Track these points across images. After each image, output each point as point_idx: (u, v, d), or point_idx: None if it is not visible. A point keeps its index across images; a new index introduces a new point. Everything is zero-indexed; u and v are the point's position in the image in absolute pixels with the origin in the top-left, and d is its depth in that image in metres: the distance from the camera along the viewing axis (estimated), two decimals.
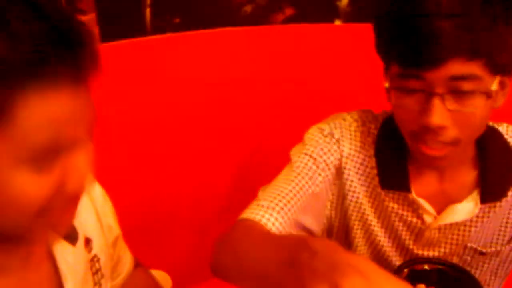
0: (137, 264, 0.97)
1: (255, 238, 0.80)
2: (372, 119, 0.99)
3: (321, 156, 0.95)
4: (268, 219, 0.86)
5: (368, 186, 0.97)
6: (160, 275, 1.45)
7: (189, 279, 1.62)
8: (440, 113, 0.77)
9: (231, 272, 0.80)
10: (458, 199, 0.93)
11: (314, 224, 0.97)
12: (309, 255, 0.55)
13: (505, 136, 0.94)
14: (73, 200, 0.59)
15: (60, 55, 0.50)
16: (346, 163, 0.96)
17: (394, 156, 0.94)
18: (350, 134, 0.97)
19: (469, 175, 0.93)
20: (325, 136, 0.96)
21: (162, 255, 1.68)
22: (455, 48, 0.74)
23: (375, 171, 0.95)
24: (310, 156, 0.95)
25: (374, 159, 0.95)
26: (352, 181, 0.97)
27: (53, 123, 0.52)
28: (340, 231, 1.03)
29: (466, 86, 0.76)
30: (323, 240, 0.59)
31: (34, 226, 0.58)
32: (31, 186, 0.52)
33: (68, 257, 0.72)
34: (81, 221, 0.75)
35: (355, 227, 1.01)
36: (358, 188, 0.97)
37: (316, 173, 0.94)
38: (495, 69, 0.77)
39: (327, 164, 0.95)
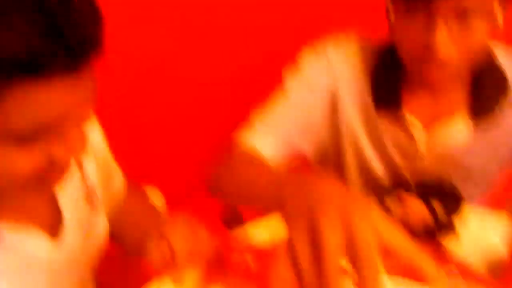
0: (130, 187, 1.00)
1: (252, 167, 0.84)
2: (369, 44, 1.00)
3: (314, 80, 0.97)
4: (264, 144, 0.91)
5: (362, 110, 0.99)
6: (150, 192, 1.50)
7: (180, 196, 1.64)
8: (443, 36, 0.78)
9: (228, 194, 0.89)
10: (448, 118, 0.95)
11: (308, 147, 1.01)
12: (292, 192, 0.57)
13: (495, 54, 0.95)
14: (58, 171, 0.60)
15: (54, 49, 0.49)
16: (340, 87, 0.98)
17: (389, 79, 0.96)
18: (346, 57, 0.98)
19: (459, 95, 0.95)
20: (319, 59, 0.98)
21: (154, 172, 1.70)
22: None
23: (369, 95, 0.97)
24: (304, 80, 0.97)
25: (369, 84, 0.97)
26: (347, 104, 0.99)
27: (42, 112, 0.52)
28: (333, 154, 1.06)
29: (470, 5, 0.77)
30: (308, 175, 0.58)
31: (29, 186, 0.59)
32: (19, 160, 0.54)
33: (64, 183, 0.73)
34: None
35: (348, 152, 1.04)
36: (352, 112, 1.00)
37: (309, 98, 0.97)
38: None
39: (320, 89, 0.97)
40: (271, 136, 0.93)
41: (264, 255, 0.83)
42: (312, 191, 0.53)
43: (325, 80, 0.97)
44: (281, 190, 0.60)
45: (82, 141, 0.59)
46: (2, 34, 0.46)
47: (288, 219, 0.53)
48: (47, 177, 0.59)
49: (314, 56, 0.98)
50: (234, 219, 1.10)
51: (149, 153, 1.77)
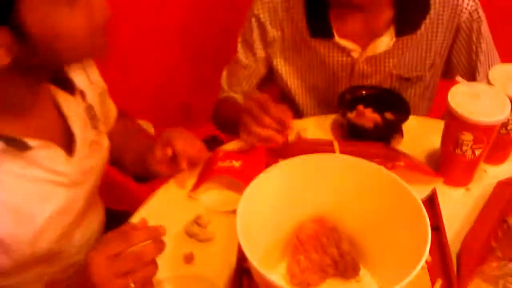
0: (122, 114, 1.13)
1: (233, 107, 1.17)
2: None
3: (251, 37, 1.18)
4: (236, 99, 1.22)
5: (297, 42, 1.17)
6: (143, 123, 1.60)
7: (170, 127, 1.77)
8: None
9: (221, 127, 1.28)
10: (378, 35, 1.10)
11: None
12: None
13: None
14: (102, 28, 0.73)
15: None
16: (275, 36, 1.17)
17: (317, 8, 1.10)
18: (269, 7, 1.14)
19: (387, 14, 1.09)
20: (251, 18, 1.17)
21: (145, 106, 1.83)
22: None
23: (304, 25, 1.12)
24: (246, 41, 1.20)
25: (301, 15, 1.12)
26: (281, 44, 1.18)
27: None
28: (284, 91, 1.29)
29: None
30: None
31: (88, 50, 0.74)
32: (70, 19, 0.68)
33: (70, 105, 0.86)
34: (74, 76, 0.88)
35: (293, 86, 1.25)
36: (288, 48, 1.18)
37: (253, 54, 1.20)
38: None
39: (260, 43, 1.19)
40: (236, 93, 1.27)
41: (242, 157, 0.98)
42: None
43: (257, 35, 1.18)
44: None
45: (104, 2, 0.73)
46: None
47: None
48: (94, 35, 0.72)
49: (251, 18, 1.17)
50: (213, 142, 1.29)
51: (140, 93, 1.88)
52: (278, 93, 1.32)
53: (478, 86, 0.91)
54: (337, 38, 1.10)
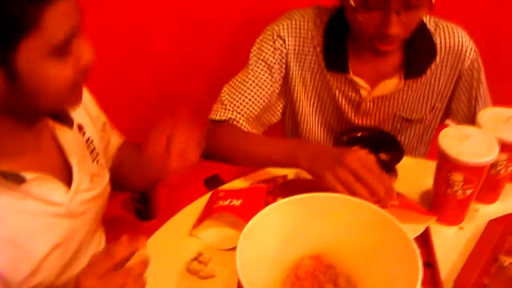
0: (125, 141, 1.16)
1: (245, 134, 1.12)
2: (319, 13, 1.18)
3: (273, 58, 1.17)
4: (238, 122, 1.14)
5: (313, 72, 1.20)
6: None
7: None
8: (395, 25, 1.00)
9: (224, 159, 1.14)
10: (388, 76, 1.17)
11: (272, 118, 1.25)
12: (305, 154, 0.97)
13: (428, 26, 1.16)
14: (85, 74, 0.77)
15: None
16: (291, 58, 1.18)
17: (337, 44, 1.15)
18: (297, 32, 1.17)
19: (396, 57, 1.16)
20: (275, 41, 1.17)
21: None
22: None
23: (320, 57, 1.17)
24: (263, 61, 1.17)
25: (320, 48, 1.17)
26: (296, 71, 1.20)
27: (66, 22, 0.69)
28: (290, 115, 1.29)
29: (415, 2, 0.99)
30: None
31: (67, 100, 0.77)
32: (59, 69, 0.71)
33: (68, 138, 0.88)
34: (72, 110, 0.90)
35: (302, 110, 1.25)
36: (301, 76, 1.20)
37: (270, 76, 1.18)
38: None
39: (278, 67, 1.18)
40: (243, 118, 1.16)
41: (242, 196, 1.01)
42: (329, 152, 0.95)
43: (280, 57, 1.18)
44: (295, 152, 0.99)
45: (92, 47, 0.76)
46: None
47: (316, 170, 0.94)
48: (79, 84, 0.75)
49: (270, 37, 1.18)
50: (214, 181, 1.30)
51: (138, 116, 1.76)
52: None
53: (468, 129, 0.95)
54: (351, 74, 1.16)
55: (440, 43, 1.15)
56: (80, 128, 0.94)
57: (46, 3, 0.65)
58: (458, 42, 1.15)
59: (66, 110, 0.87)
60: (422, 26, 1.15)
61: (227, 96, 1.18)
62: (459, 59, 1.17)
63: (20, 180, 0.76)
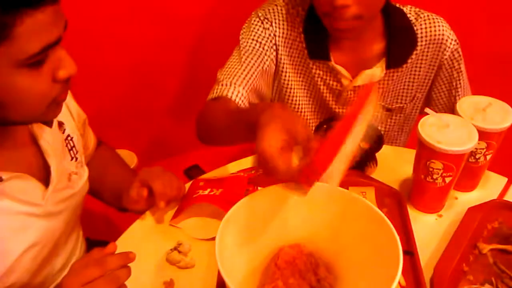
0: (99, 142, 1.15)
1: (230, 111, 1.02)
2: (300, 1, 1.16)
3: (263, 38, 1.15)
4: (236, 95, 1.09)
5: (297, 58, 1.18)
6: (125, 153, 1.60)
7: (152, 156, 1.77)
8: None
9: (213, 140, 1.09)
10: (369, 66, 1.16)
11: (266, 92, 1.21)
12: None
13: (408, 15, 1.15)
14: (65, 88, 0.74)
15: None
16: (279, 41, 1.16)
17: (318, 32, 1.13)
18: (282, 17, 1.15)
19: (378, 46, 1.15)
20: (262, 22, 1.15)
21: (128, 136, 1.82)
22: None
23: (304, 45, 1.16)
24: (254, 39, 1.15)
25: (303, 35, 1.15)
26: (283, 56, 1.18)
27: (43, 35, 0.66)
28: (275, 98, 1.27)
29: None
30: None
31: (45, 113, 0.74)
32: (33, 82, 0.68)
33: (47, 136, 0.86)
34: None
35: (287, 95, 1.23)
36: (288, 62, 1.18)
37: (262, 53, 1.15)
38: None
39: (269, 45, 1.15)
40: (241, 88, 1.11)
41: (222, 185, 1.00)
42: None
43: (270, 38, 1.15)
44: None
45: (72, 61, 0.72)
46: None
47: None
48: (57, 98, 0.73)
49: (257, 20, 1.16)
50: (194, 171, 1.29)
51: (124, 119, 1.85)
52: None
53: (447, 117, 0.96)
54: (333, 62, 1.15)
55: (421, 33, 1.15)
56: (60, 125, 0.92)
57: (21, 13, 0.63)
58: (439, 32, 1.15)
59: None
60: (403, 15, 1.14)
61: (222, 76, 1.14)
62: (440, 49, 1.17)
63: None
